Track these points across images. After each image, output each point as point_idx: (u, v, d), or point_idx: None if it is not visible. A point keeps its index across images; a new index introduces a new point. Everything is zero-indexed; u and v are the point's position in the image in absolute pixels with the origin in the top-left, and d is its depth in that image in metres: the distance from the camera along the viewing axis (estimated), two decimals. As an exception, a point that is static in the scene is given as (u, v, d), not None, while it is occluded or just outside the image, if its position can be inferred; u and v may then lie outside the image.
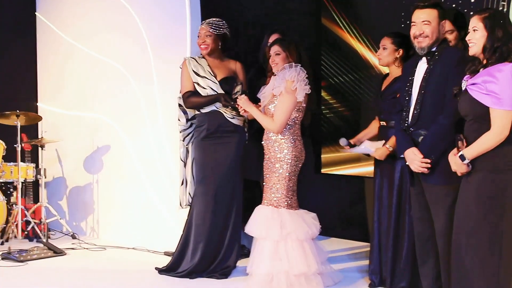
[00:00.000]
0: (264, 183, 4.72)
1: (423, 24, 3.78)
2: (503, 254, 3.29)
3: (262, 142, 4.74)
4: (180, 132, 5.19)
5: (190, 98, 5.05)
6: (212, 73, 5.06)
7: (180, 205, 5.24)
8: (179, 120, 5.17)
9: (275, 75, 4.66)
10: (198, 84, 5.05)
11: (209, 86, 5.03)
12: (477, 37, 3.38)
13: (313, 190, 6.41)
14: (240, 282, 4.87)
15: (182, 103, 5.13)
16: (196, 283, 4.88)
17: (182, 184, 5.21)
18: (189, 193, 5.18)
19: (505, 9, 5.22)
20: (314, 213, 4.73)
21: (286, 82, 4.50)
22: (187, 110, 5.14)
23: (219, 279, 4.95)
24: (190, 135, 5.17)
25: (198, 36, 5.13)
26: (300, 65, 4.56)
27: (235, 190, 5.07)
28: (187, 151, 5.19)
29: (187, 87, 5.08)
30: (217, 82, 5.03)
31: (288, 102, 4.52)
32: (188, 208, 5.18)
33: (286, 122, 4.55)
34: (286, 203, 4.60)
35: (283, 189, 4.59)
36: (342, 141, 4.74)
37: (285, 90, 4.51)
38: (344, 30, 6.31)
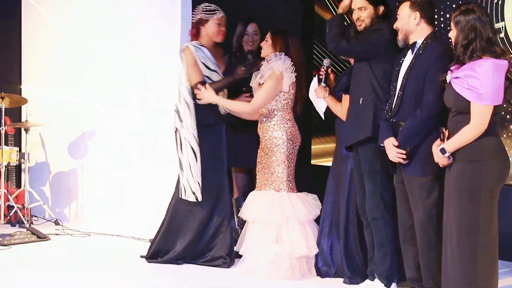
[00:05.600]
0: (258, 169, 4.82)
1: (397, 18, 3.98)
2: (480, 241, 3.42)
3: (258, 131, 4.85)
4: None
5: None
6: (217, 65, 4.92)
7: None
8: (189, 108, 4.83)
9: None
10: (209, 78, 4.82)
11: None
12: (452, 35, 3.59)
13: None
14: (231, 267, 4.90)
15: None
16: (184, 268, 4.92)
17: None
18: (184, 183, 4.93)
19: (500, 2, 5.29)
20: (315, 194, 4.84)
21: (272, 71, 4.68)
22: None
23: (203, 265, 4.95)
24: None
25: (218, 24, 4.86)
26: (284, 53, 4.70)
27: (219, 180, 4.96)
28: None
29: (197, 78, 4.78)
30: (222, 76, 4.91)
31: (270, 87, 4.66)
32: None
33: (263, 105, 4.70)
34: (286, 186, 4.74)
35: (282, 173, 4.72)
36: (327, 61, 4.58)
37: (269, 77, 4.67)
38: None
